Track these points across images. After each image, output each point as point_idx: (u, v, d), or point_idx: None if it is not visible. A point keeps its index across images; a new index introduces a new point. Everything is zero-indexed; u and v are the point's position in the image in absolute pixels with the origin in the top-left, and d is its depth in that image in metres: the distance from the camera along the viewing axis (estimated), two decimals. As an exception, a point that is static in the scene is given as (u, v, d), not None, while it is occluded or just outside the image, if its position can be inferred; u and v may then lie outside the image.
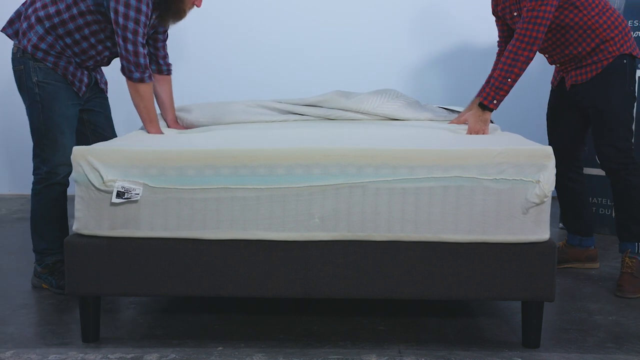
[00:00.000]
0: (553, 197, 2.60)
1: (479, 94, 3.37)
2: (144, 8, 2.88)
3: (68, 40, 2.99)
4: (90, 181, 2.41)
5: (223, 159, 2.41)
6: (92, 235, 2.46)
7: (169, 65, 3.32)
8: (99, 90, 3.23)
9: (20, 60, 3.02)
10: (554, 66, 3.39)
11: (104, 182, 2.40)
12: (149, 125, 3.04)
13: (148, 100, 3.01)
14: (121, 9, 2.85)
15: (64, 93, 3.03)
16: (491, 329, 2.71)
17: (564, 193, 3.44)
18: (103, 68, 3.27)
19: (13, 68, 3.05)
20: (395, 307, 2.90)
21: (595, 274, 3.40)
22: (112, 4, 2.87)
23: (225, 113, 3.33)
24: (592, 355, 2.48)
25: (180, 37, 5.08)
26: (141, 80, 2.96)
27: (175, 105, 3.39)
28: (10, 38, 3.07)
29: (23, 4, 3.07)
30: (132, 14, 2.86)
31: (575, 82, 3.19)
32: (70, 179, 2.91)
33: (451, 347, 2.53)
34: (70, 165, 2.96)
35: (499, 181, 2.38)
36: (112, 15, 2.89)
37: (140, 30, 2.90)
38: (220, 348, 2.52)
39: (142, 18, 2.89)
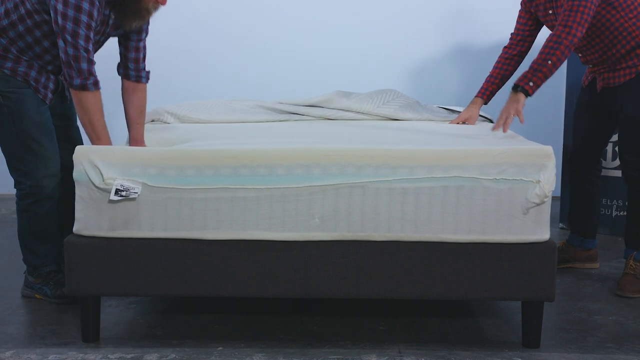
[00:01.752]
0: (553, 197, 2.59)
1: (479, 93, 3.37)
2: (85, 6, 2.59)
3: (21, 44, 2.76)
4: (90, 179, 2.41)
5: (223, 159, 2.41)
6: (91, 236, 2.46)
7: (140, 71, 2.95)
8: (64, 98, 2.98)
9: None
10: (562, 69, 3.37)
11: (103, 180, 2.40)
12: (96, 142, 2.71)
13: (93, 112, 2.67)
14: (60, 6, 2.59)
15: (31, 99, 2.80)
16: (491, 329, 2.71)
17: (578, 193, 3.41)
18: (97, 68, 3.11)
19: None
20: (395, 307, 2.90)
21: (595, 274, 3.39)
22: (52, 1, 2.61)
23: (226, 112, 3.33)
24: (592, 355, 2.48)
25: (180, 37, 5.08)
26: (83, 87, 2.65)
27: (174, 104, 3.36)
28: None
29: None
30: (70, 12, 2.58)
31: (607, 84, 3.16)
32: (71, 178, 2.82)
33: (451, 347, 2.53)
34: (55, 176, 2.87)
35: (499, 181, 2.38)
36: (52, 13, 2.63)
37: (81, 32, 2.61)
38: (220, 348, 2.52)
39: (84, 18, 2.60)
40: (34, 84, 2.81)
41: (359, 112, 3.36)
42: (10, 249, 3.84)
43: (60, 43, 2.63)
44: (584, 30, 2.88)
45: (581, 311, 2.90)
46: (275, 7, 5.08)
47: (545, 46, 2.89)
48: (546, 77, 2.87)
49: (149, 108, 3.38)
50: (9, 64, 2.78)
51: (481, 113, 3.45)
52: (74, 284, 2.47)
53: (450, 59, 5.09)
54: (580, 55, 3.25)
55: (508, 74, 3.36)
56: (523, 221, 2.40)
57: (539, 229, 2.42)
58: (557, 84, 4.83)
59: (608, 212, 4.15)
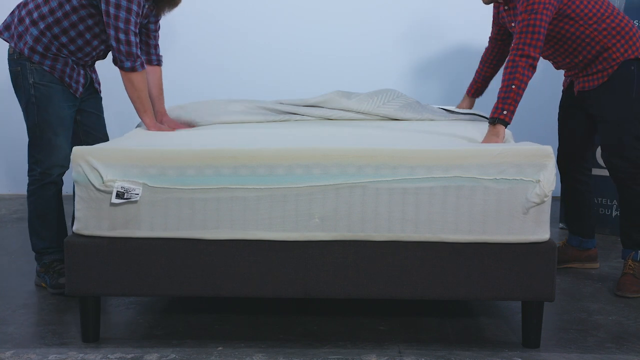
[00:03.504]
0: (553, 197, 2.59)
1: (469, 90, 3.53)
2: None
3: (64, 39, 2.97)
4: (90, 181, 2.41)
5: (223, 159, 2.41)
6: (92, 235, 2.46)
7: (159, 56, 3.31)
8: (93, 91, 3.22)
9: (17, 62, 3.01)
10: (552, 64, 3.40)
11: (103, 182, 2.40)
12: (143, 114, 3.07)
13: (141, 90, 3.02)
14: None
15: (59, 95, 3.02)
16: (491, 329, 2.71)
17: (570, 194, 3.43)
18: (97, 69, 3.26)
19: (9, 69, 3.04)
20: (395, 307, 2.90)
21: (595, 274, 3.39)
22: None
23: (224, 113, 3.32)
24: (592, 355, 2.48)
25: (181, 37, 5.08)
26: (133, 69, 2.96)
27: (174, 104, 3.38)
28: (6, 41, 3.06)
29: (17, 6, 3.05)
30: (124, 3, 2.85)
31: (582, 88, 3.17)
32: (69, 178, 2.88)
33: (451, 347, 2.53)
34: (64, 166, 3.04)
35: (499, 181, 2.38)
36: (102, 5, 2.87)
37: (132, 19, 2.89)
38: (220, 348, 2.52)
39: (134, 7, 2.88)
40: (67, 80, 3.04)
41: (358, 112, 3.35)
42: (11, 249, 3.84)
43: (112, 32, 2.91)
44: (539, 50, 2.86)
45: (581, 311, 2.90)
46: (275, 8, 5.08)
47: (504, 73, 2.88)
48: (517, 101, 2.83)
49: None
50: (48, 62, 3.00)
51: (481, 113, 3.46)
52: (74, 283, 2.47)
53: (450, 59, 5.09)
54: (551, 62, 3.29)
55: (489, 75, 3.54)
56: (523, 221, 2.40)
57: (539, 229, 2.42)
58: (556, 84, 4.83)
59: (608, 212, 4.15)
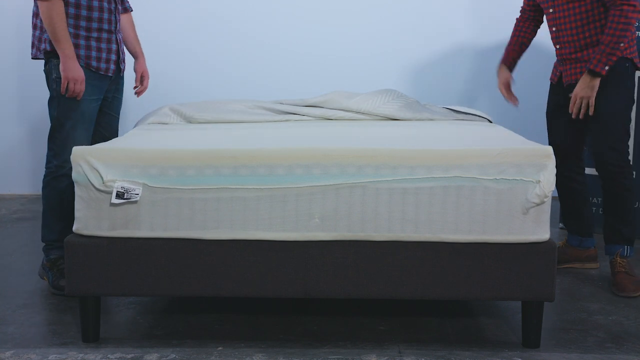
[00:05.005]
0: (553, 197, 2.60)
1: (502, 59, 3.51)
2: None
3: (72, 10, 2.98)
4: (90, 181, 2.41)
5: (223, 159, 2.41)
6: (92, 235, 2.46)
7: (128, 2, 3.32)
8: (118, 79, 3.24)
9: (45, 63, 3.08)
10: (553, 64, 3.38)
11: (103, 182, 2.40)
12: (56, 43, 2.95)
13: (52, 17, 2.90)
14: None
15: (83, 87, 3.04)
16: (491, 329, 2.71)
17: (565, 193, 3.42)
18: None
19: (44, 71, 3.10)
20: (395, 307, 2.90)
21: (595, 274, 3.40)
22: None
23: (224, 112, 3.32)
24: (592, 355, 2.48)
25: (181, 37, 5.08)
26: None
27: (174, 104, 3.38)
28: (38, 57, 3.11)
29: (32, 23, 3.12)
30: None
31: (573, 80, 3.17)
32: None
33: (451, 347, 2.53)
34: None
35: (499, 181, 2.38)
36: None
37: None
38: (220, 348, 2.52)
39: None
40: (95, 64, 3.08)
41: (359, 112, 3.35)
42: (11, 249, 3.84)
43: None
44: None
45: (581, 311, 2.90)
46: (275, 7, 5.08)
47: (614, 28, 2.89)
48: (617, 57, 2.93)
49: (152, 107, 3.42)
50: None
51: (480, 113, 3.45)
52: (74, 283, 2.47)
53: (450, 58, 5.09)
54: (553, 29, 3.24)
55: (527, 41, 3.50)
56: (523, 221, 2.40)
57: (539, 229, 2.42)
58: (557, 84, 4.83)
59: (606, 212, 4.14)
